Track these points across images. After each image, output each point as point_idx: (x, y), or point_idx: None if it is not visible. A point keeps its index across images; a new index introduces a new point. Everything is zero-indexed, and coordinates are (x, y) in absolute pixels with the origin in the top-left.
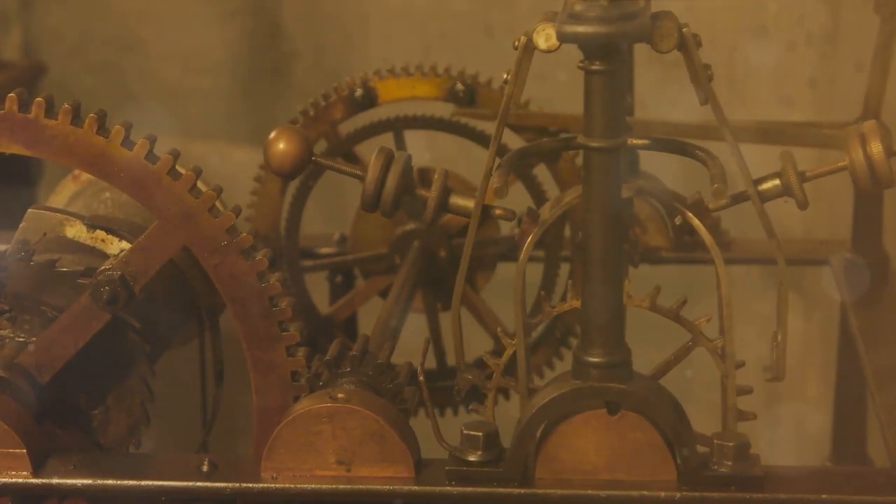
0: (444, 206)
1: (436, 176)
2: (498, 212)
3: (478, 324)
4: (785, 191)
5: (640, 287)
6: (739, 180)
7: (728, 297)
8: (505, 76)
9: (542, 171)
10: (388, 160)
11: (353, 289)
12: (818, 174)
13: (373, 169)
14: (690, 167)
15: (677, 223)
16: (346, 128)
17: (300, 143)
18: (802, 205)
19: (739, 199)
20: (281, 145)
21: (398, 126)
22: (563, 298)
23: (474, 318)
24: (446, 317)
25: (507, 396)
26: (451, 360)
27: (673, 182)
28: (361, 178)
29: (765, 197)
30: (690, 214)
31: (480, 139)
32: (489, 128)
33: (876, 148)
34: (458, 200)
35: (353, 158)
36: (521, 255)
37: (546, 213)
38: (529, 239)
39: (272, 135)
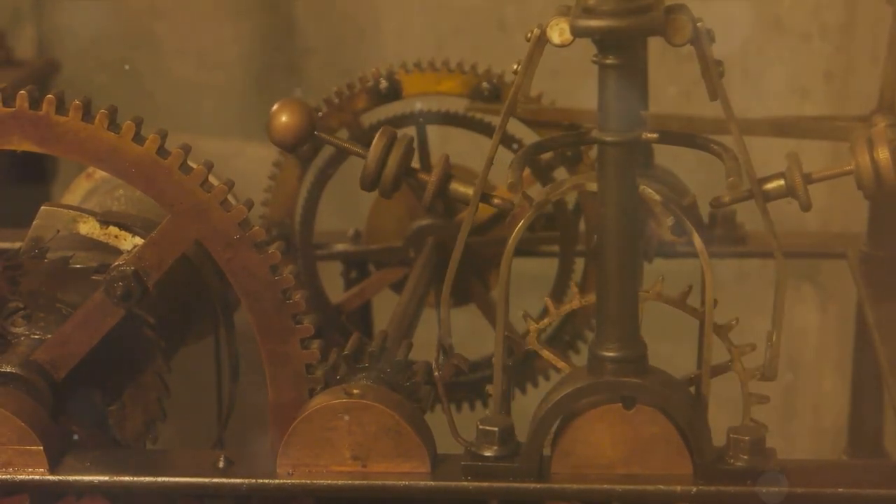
0: (443, 191)
1: (437, 161)
2: (497, 200)
3: (487, 321)
4: (789, 192)
5: (653, 280)
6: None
7: (710, 303)
8: (515, 67)
9: (562, 176)
10: (390, 141)
11: (366, 278)
12: (824, 177)
13: (375, 148)
14: (704, 161)
15: (669, 225)
16: (370, 119)
17: (303, 116)
18: (805, 207)
19: (742, 198)
20: (283, 117)
21: (421, 120)
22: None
23: (484, 316)
24: (456, 312)
25: (523, 391)
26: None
27: (686, 176)
28: (363, 157)
29: (769, 197)
30: (683, 217)
31: (504, 138)
32: (515, 128)
33: (883, 154)
34: (458, 187)
35: None
36: (512, 237)
37: (541, 196)
38: (521, 222)
39: (275, 107)
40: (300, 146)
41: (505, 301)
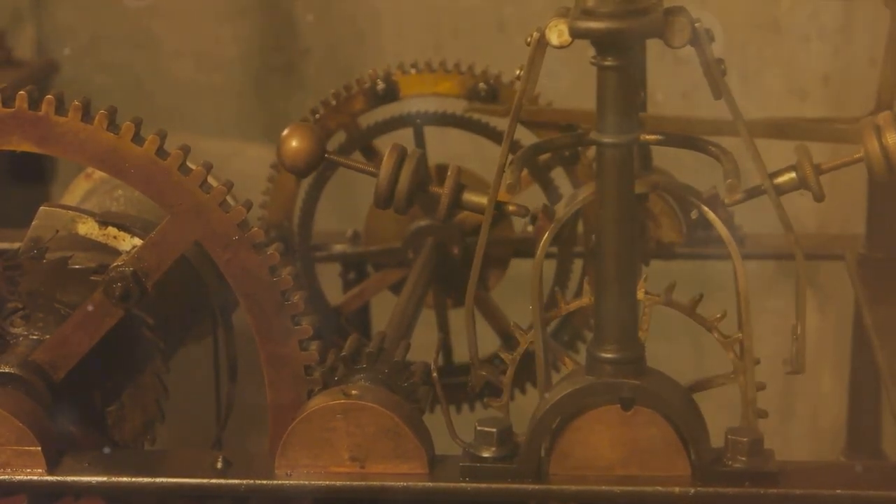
0: (457, 202)
1: (449, 173)
2: (511, 208)
3: (486, 322)
4: (801, 184)
5: (653, 282)
6: (754, 175)
7: (746, 293)
8: (518, 72)
9: (559, 175)
10: (401, 157)
11: (364, 280)
12: (834, 167)
13: (386, 166)
14: (704, 162)
15: (693, 218)
16: (366, 120)
17: (313, 141)
18: (819, 197)
19: (755, 193)
20: (294, 143)
21: (419, 122)
22: (578, 295)
23: (483, 316)
24: (455, 313)
25: (523, 391)
26: (458, 356)
27: (685, 178)
28: (375, 175)
29: (781, 190)
30: (707, 209)
31: (499, 138)
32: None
33: (891, 138)
34: (471, 197)
35: (371, 151)
36: (538, 253)
37: (561, 210)
38: (545, 236)
39: (285, 132)
40: (312, 170)
41: (540, 311)
